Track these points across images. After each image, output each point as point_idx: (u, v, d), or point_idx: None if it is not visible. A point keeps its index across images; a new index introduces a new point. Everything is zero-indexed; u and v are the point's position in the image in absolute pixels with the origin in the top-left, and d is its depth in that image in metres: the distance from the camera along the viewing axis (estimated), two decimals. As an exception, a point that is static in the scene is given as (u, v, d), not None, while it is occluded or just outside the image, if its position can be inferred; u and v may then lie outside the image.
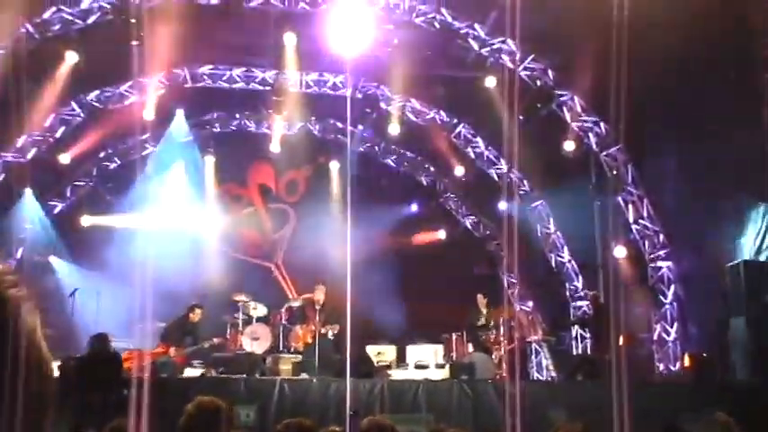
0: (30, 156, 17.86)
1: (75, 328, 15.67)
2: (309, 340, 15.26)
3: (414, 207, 21.46)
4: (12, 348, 1.15)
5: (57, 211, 19.75)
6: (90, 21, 15.56)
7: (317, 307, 15.56)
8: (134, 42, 15.27)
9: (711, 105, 14.21)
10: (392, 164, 21.25)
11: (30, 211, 18.62)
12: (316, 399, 11.89)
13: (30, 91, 16.35)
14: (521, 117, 17.22)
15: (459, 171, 19.82)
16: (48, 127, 17.88)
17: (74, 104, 17.97)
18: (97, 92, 18.08)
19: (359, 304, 17.40)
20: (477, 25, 16.22)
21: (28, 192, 18.24)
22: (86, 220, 19.71)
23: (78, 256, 19.19)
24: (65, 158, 18.34)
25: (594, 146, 17.00)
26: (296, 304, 17.12)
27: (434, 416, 11.43)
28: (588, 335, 16.93)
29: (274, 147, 19.83)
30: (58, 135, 18.14)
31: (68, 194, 19.90)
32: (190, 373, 14.49)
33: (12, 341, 1.15)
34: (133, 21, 15.31)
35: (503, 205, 19.57)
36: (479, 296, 15.82)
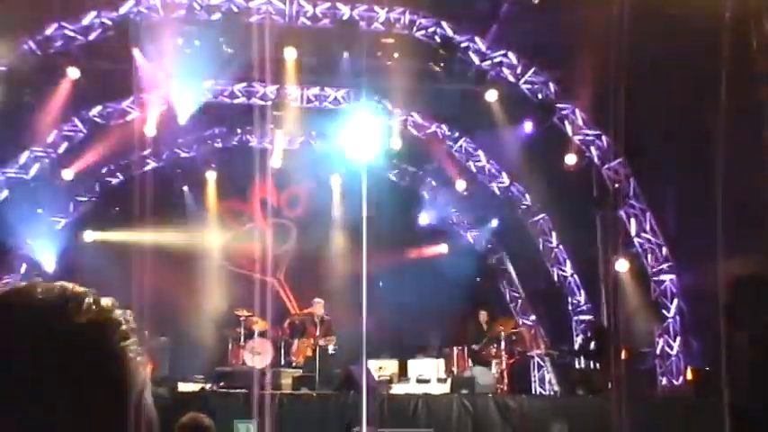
0: (32, 172, 17.89)
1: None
2: (309, 353, 15.25)
3: (415, 227, 21.40)
4: (125, 409, 1.11)
5: (60, 226, 19.76)
6: (91, 37, 15.61)
7: (317, 320, 15.57)
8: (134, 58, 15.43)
9: (714, 119, 14.17)
10: (393, 178, 21.24)
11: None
12: (316, 413, 11.87)
13: (32, 107, 16.44)
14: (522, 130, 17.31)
15: (460, 185, 19.79)
16: (50, 143, 17.92)
17: (76, 120, 18.00)
18: (99, 107, 18.11)
19: (361, 318, 17.42)
20: (477, 39, 16.26)
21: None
22: (89, 236, 19.71)
23: (82, 271, 19.19)
24: (68, 174, 18.35)
25: (596, 159, 16.99)
26: (297, 319, 17.13)
27: (434, 430, 11.40)
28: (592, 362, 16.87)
29: (275, 162, 19.85)
30: (60, 151, 18.16)
31: (71, 210, 19.89)
32: (190, 387, 14.50)
33: (125, 400, 1.12)
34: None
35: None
36: (482, 312, 15.82)
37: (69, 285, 1.20)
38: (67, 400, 1.06)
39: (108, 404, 1.08)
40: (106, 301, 1.19)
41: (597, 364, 15.12)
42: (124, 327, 1.16)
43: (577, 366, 17.07)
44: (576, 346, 17.49)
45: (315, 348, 15.10)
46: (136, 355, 1.16)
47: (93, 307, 1.15)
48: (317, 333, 15.36)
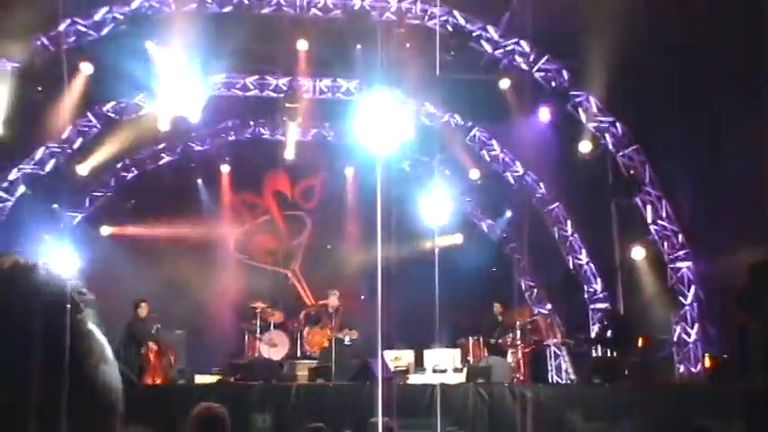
0: (48, 167, 17.97)
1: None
2: (326, 344, 15.27)
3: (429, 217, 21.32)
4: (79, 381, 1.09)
5: (76, 222, 19.84)
6: (104, 32, 15.65)
7: (332, 312, 15.60)
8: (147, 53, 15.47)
9: (730, 105, 14.09)
10: (407, 168, 21.19)
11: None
12: (332, 404, 11.88)
13: (46, 103, 16.49)
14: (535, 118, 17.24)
15: (474, 174, 19.74)
16: (65, 138, 17.98)
17: (90, 116, 18.06)
18: (113, 103, 18.17)
19: (375, 308, 17.42)
20: (489, 27, 16.20)
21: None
22: (105, 231, 19.79)
23: (98, 266, 19.27)
24: (83, 169, 18.40)
25: (611, 146, 16.91)
26: (313, 310, 17.18)
27: (449, 420, 11.39)
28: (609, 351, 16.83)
29: (289, 154, 19.87)
30: (75, 146, 18.23)
31: (87, 205, 19.95)
32: (206, 379, 14.56)
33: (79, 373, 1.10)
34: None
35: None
36: (496, 305, 15.78)
37: (22, 258, 1.18)
38: (16, 372, 1.05)
39: (59, 376, 1.07)
40: (60, 274, 1.18)
41: (614, 353, 15.06)
42: (78, 299, 1.15)
43: (594, 355, 17.03)
44: (593, 335, 17.44)
45: (330, 339, 15.12)
46: (91, 327, 1.14)
47: (47, 279, 1.14)
48: (332, 324, 15.38)
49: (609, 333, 15.51)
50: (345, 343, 15.19)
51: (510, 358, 14.95)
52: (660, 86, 14.85)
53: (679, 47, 14.05)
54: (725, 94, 14.09)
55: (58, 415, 1.05)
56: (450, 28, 16.11)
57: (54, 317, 1.10)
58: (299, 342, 16.46)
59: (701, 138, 15.06)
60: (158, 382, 14.18)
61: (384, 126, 18.80)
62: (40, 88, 16.11)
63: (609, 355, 15.37)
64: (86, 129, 18.24)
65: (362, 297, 18.12)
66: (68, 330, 1.10)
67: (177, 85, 17.01)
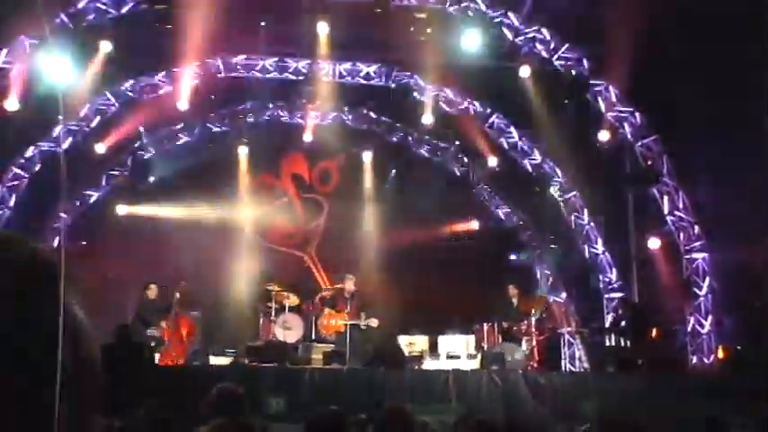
0: (65, 145, 18.01)
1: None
2: (341, 329, 15.29)
3: (445, 203, 21.29)
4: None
5: (92, 200, 19.89)
6: (124, 10, 15.64)
7: (348, 296, 15.62)
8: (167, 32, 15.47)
9: (750, 94, 14.01)
10: (425, 154, 21.17)
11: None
12: (346, 388, 11.91)
13: (65, 81, 16.50)
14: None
15: (492, 161, 19.72)
16: (83, 117, 18.02)
17: (108, 94, 18.09)
18: (131, 81, 18.19)
19: (391, 294, 17.48)
20: (511, 14, 16.13)
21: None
22: (122, 210, 19.82)
23: (114, 245, 19.34)
24: (100, 148, 18.44)
25: (629, 136, 16.85)
26: (328, 294, 17.20)
27: (464, 406, 11.41)
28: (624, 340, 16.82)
29: (307, 137, 19.87)
30: (93, 125, 18.27)
31: (104, 184, 20.00)
32: (221, 361, 14.61)
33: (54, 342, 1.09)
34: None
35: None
36: (510, 287, 15.75)
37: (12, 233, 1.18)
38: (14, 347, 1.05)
39: (37, 345, 1.06)
40: (37, 244, 1.17)
41: (628, 342, 15.05)
42: (56, 269, 1.14)
43: (608, 344, 17.01)
44: (608, 324, 17.43)
45: (345, 324, 15.14)
46: (67, 296, 1.13)
47: (23, 250, 1.14)
48: (348, 309, 15.39)
49: (623, 323, 15.51)
50: (361, 327, 15.21)
51: (524, 346, 14.94)
52: (681, 76, 14.79)
53: (698, 36, 13.97)
54: (746, 83, 14.01)
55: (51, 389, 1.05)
56: (471, 13, 16.04)
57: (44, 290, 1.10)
58: (313, 326, 16.48)
59: (719, 128, 14.98)
60: (177, 358, 14.23)
61: (400, 111, 18.84)
62: (58, 66, 16.16)
63: (622, 344, 15.36)
64: (104, 107, 18.27)
65: (378, 281, 18.11)
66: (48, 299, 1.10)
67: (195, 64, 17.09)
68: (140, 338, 14.11)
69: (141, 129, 18.86)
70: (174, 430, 4.84)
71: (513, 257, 21.03)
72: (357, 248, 19.93)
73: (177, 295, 14.61)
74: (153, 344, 14.15)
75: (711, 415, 7.05)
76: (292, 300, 16.62)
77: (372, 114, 20.11)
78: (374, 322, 15.26)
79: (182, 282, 15.08)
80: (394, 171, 20.94)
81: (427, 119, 18.88)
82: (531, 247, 20.77)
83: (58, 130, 17.70)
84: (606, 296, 18.52)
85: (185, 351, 14.21)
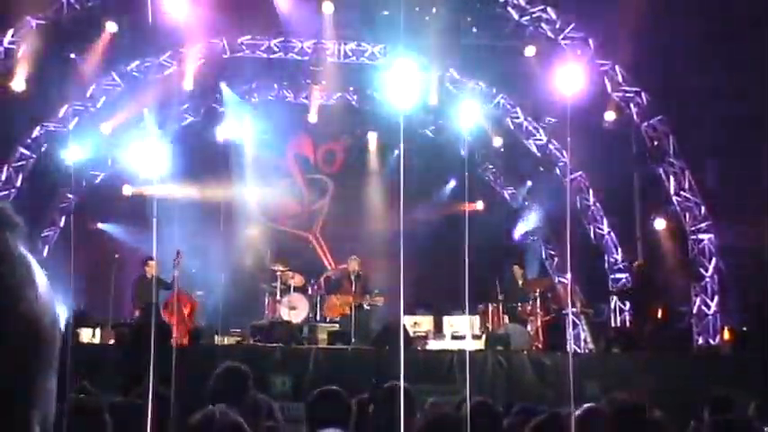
0: (71, 125, 18.04)
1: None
2: (347, 311, 15.31)
3: (451, 183, 21.28)
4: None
5: (98, 180, 19.93)
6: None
7: (353, 277, 15.65)
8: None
9: (754, 77, 13.97)
10: (430, 134, 21.15)
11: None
12: (351, 368, 11.95)
13: (70, 61, 16.52)
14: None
15: (497, 142, 19.71)
16: (89, 97, 18.03)
17: (114, 75, 18.08)
18: (137, 62, 18.18)
19: (397, 274, 17.48)
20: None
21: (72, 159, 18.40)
22: (128, 189, 19.83)
23: (120, 225, 19.40)
24: (106, 128, 18.46)
25: (635, 116, 16.81)
26: (330, 273, 17.25)
27: (469, 386, 11.43)
28: (627, 307, 16.87)
29: (312, 117, 19.86)
30: (99, 105, 18.28)
31: (109, 164, 20.02)
32: (226, 340, 14.66)
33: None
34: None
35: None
36: (516, 267, 15.76)
37: None
38: None
39: None
40: None
41: (632, 306, 15.17)
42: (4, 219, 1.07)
43: (613, 325, 17.08)
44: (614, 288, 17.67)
45: (350, 305, 15.16)
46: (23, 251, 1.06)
47: None
48: (354, 290, 15.42)
49: (629, 287, 15.61)
50: (365, 308, 15.24)
51: (529, 326, 14.97)
52: (686, 55, 14.75)
53: (703, 14, 13.93)
54: (750, 64, 13.98)
55: None
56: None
57: None
58: (318, 306, 16.53)
59: (725, 109, 14.95)
60: (180, 338, 14.20)
61: (408, 91, 18.77)
62: (64, 46, 16.18)
63: (627, 323, 15.41)
64: (110, 87, 18.28)
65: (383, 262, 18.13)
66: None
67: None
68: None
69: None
70: (174, 409, 4.86)
71: (518, 238, 21.05)
72: (362, 229, 19.95)
73: (176, 273, 14.54)
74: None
75: (719, 395, 7.07)
76: (297, 280, 16.66)
77: (377, 95, 20.03)
78: (380, 300, 15.29)
79: (178, 254, 14.89)
80: (397, 151, 20.92)
81: (433, 99, 18.86)
82: (536, 227, 20.77)
83: (63, 111, 17.74)
84: (612, 276, 18.53)
85: (188, 330, 14.18)
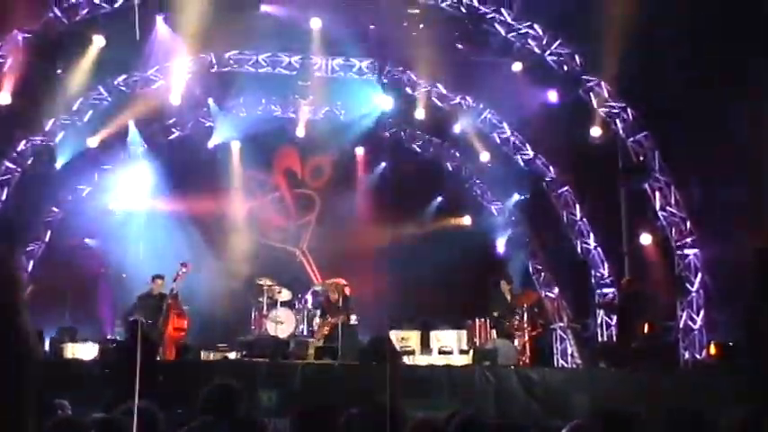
0: (58, 139, 17.99)
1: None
2: (326, 332, 15.21)
3: (438, 198, 21.30)
4: None
5: (85, 194, 19.87)
6: (117, 5, 15.59)
7: (340, 304, 15.51)
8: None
9: (741, 91, 14.04)
10: (418, 149, 21.20)
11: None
12: (338, 382, 11.91)
13: (58, 75, 16.49)
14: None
15: (484, 157, 19.75)
16: (76, 111, 17.99)
17: (101, 89, 18.05)
18: (124, 76, 18.15)
19: (384, 289, 17.50)
20: (503, 10, 16.12)
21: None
22: (114, 204, 19.79)
23: (106, 239, 19.32)
24: (93, 142, 18.41)
25: (621, 132, 16.87)
26: (319, 288, 17.21)
27: (455, 401, 11.41)
28: (613, 321, 16.90)
29: (300, 132, 19.88)
30: (85, 119, 18.22)
31: (96, 178, 19.96)
32: (212, 356, 14.60)
33: None
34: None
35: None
36: (503, 282, 15.72)
37: None
38: None
39: None
40: None
41: (617, 321, 15.19)
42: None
43: (600, 340, 17.10)
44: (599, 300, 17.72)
45: (333, 327, 15.05)
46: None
47: None
48: (339, 315, 15.31)
49: (616, 302, 15.63)
50: (352, 322, 15.21)
51: (516, 341, 14.95)
52: (672, 73, 14.81)
53: (691, 33, 14.00)
54: (734, 80, 14.05)
55: None
56: (464, 9, 16.04)
57: None
58: (305, 321, 16.50)
59: (710, 123, 15.00)
60: (165, 352, 14.10)
61: (394, 106, 18.82)
62: (51, 60, 16.15)
63: (613, 337, 15.42)
64: (97, 101, 18.23)
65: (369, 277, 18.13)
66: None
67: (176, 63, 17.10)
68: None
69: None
70: (160, 425, 4.84)
71: (504, 253, 21.08)
72: (349, 244, 19.94)
73: (174, 288, 14.49)
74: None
75: (697, 409, 7.06)
76: (284, 294, 16.63)
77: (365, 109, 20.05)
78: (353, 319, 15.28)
79: (183, 266, 14.81)
80: (384, 164, 20.99)
81: (420, 114, 18.93)
82: (523, 242, 20.81)
83: (50, 124, 17.69)
84: (598, 291, 18.56)
85: (175, 346, 14.11)
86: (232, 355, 14.69)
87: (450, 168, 21.37)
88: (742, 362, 13.44)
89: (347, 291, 15.79)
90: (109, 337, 15.65)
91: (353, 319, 15.26)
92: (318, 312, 16.18)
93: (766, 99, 13.45)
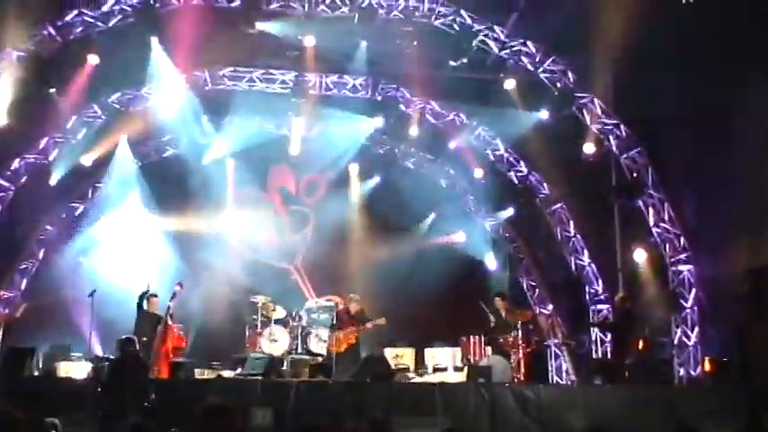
0: (52, 157, 17.99)
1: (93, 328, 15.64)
2: (353, 341, 15.08)
3: (432, 215, 21.27)
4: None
5: (78, 212, 19.86)
6: (111, 23, 15.62)
7: (351, 315, 15.42)
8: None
9: (735, 107, 14.09)
10: (411, 166, 21.23)
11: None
12: (332, 401, 11.86)
13: (52, 93, 16.50)
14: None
15: (478, 173, 19.79)
16: (70, 129, 18.00)
17: (95, 107, 18.08)
18: (118, 94, 18.19)
19: (378, 306, 17.48)
20: (496, 27, 16.18)
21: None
22: (108, 221, 19.75)
23: (99, 256, 19.29)
24: (87, 160, 18.41)
25: (614, 148, 16.90)
26: (311, 305, 17.19)
27: (450, 419, 11.39)
28: (608, 338, 16.89)
29: (294, 149, 19.90)
30: (80, 137, 18.23)
31: (90, 196, 19.95)
32: (206, 374, 14.56)
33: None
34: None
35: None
36: (497, 299, 15.69)
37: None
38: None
39: None
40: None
41: (612, 338, 15.20)
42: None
43: (594, 356, 17.07)
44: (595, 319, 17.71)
45: (357, 338, 14.99)
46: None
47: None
48: (354, 321, 15.22)
49: (611, 318, 15.64)
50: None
51: (511, 358, 14.90)
52: (665, 88, 14.86)
53: (680, 50, 14.06)
54: (730, 94, 14.09)
55: None
56: (457, 27, 16.09)
57: None
58: (299, 338, 16.46)
59: (704, 140, 15.05)
60: (159, 370, 13.99)
61: (388, 123, 18.88)
62: (45, 78, 16.16)
63: (607, 353, 15.41)
64: (91, 120, 18.25)
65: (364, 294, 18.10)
66: None
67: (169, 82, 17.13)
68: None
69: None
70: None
71: (498, 269, 21.10)
72: (343, 260, 19.95)
73: (171, 306, 14.41)
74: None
75: (689, 426, 7.07)
76: (278, 312, 16.61)
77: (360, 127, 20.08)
78: (382, 320, 15.17)
79: (180, 286, 14.76)
80: (378, 181, 21.01)
81: (413, 131, 18.99)
82: (517, 258, 20.82)
83: (44, 143, 17.70)
84: (593, 308, 18.54)
85: (169, 365, 14.02)
86: (226, 373, 14.62)
87: (444, 185, 21.39)
88: (734, 380, 13.50)
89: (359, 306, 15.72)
90: (102, 355, 15.57)
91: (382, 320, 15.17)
92: (329, 324, 16.00)
93: (761, 115, 13.51)
